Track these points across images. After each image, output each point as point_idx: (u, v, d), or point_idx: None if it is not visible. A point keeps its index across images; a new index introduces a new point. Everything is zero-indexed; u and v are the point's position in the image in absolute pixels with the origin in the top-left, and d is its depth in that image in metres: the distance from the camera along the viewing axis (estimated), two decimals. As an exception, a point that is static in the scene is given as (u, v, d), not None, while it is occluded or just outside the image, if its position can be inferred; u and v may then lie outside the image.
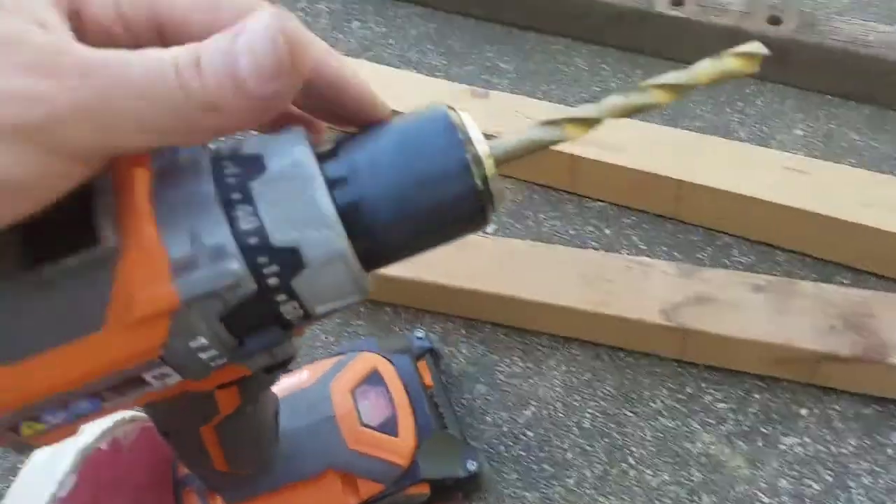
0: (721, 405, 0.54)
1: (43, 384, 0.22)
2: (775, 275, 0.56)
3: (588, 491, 0.51)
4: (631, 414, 0.54)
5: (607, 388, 0.55)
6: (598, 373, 0.56)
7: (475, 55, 0.75)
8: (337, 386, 0.47)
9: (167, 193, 0.23)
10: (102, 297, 0.22)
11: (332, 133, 0.27)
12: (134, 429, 0.45)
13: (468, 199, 0.24)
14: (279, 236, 0.22)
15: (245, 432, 0.37)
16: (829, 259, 0.58)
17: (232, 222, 0.22)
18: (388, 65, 0.73)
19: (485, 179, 0.24)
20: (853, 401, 0.53)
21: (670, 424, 0.53)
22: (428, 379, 0.51)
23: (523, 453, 0.53)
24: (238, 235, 0.22)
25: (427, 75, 0.71)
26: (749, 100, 0.69)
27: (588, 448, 0.53)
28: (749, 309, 0.53)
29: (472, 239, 0.52)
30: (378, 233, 0.24)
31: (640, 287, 0.55)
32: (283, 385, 0.47)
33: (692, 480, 0.51)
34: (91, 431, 0.43)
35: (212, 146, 0.24)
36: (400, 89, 0.67)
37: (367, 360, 0.49)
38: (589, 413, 0.54)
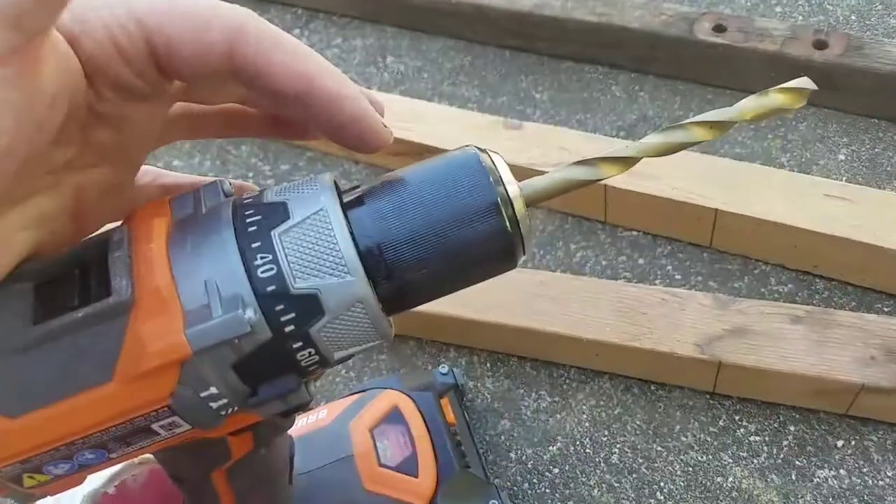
0: (754, 438, 0.52)
1: (47, 436, 0.22)
2: (814, 304, 0.54)
3: (615, 530, 0.49)
4: (661, 448, 0.52)
5: (637, 422, 0.53)
6: (628, 406, 0.54)
7: (509, 86, 0.74)
8: (356, 425, 0.47)
9: (186, 242, 0.23)
10: (113, 348, 0.21)
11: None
12: (143, 472, 0.45)
13: (497, 240, 0.24)
14: (299, 283, 0.22)
15: (258, 477, 0.36)
16: (870, 287, 0.56)
17: (250, 270, 0.22)
18: (421, 98, 0.73)
19: (515, 221, 0.24)
20: (891, 431, 0.51)
21: (701, 458, 0.51)
22: (451, 416, 0.50)
23: (548, 490, 0.51)
24: (255, 283, 0.22)
25: (460, 107, 0.71)
26: (791, 125, 0.67)
27: (616, 484, 0.51)
28: (787, 340, 0.51)
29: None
30: (403, 275, 0.24)
31: (675, 320, 0.53)
32: (302, 424, 0.47)
33: (725, 519, 0.49)
34: (99, 475, 0.43)
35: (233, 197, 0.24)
36: (433, 122, 0.66)
37: (388, 398, 0.49)
38: (617, 448, 0.52)
